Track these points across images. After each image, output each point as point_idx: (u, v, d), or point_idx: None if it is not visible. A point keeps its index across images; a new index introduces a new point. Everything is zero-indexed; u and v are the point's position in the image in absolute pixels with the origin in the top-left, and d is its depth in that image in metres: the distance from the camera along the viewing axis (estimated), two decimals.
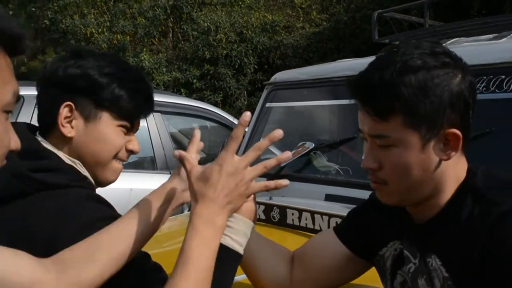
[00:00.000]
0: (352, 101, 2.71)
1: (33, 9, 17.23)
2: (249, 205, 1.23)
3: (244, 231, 1.21)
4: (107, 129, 1.33)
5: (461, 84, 1.13)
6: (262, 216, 2.12)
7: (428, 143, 1.13)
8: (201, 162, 4.13)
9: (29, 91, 4.04)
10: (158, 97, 4.64)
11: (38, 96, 1.36)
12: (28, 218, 1.16)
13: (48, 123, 1.32)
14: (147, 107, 1.43)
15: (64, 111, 1.29)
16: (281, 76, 3.01)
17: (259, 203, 2.13)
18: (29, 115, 3.89)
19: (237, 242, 1.20)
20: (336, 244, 1.42)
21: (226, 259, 1.17)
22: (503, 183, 1.16)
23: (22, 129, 1.24)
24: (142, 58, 13.67)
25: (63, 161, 1.30)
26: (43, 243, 1.12)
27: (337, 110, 2.79)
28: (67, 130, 1.29)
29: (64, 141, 1.31)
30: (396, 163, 1.15)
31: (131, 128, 1.39)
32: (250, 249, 1.32)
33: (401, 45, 1.18)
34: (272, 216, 2.08)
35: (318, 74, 2.74)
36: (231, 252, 1.19)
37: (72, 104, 1.29)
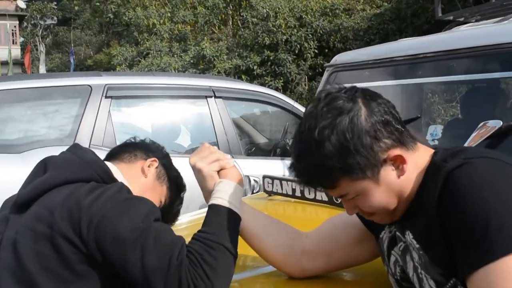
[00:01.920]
0: (415, 81, 2.68)
1: (97, 3, 17.75)
2: (231, 171, 1.55)
3: (230, 191, 1.49)
4: None
5: (368, 116, 1.20)
6: (325, 198, 2.12)
7: (378, 177, 1.22)
8: (263, 146, 4.19)
9: (97, 81, 4.21)
10: (219, 83, 4.72)
11: None
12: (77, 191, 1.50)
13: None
14: None
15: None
16: (341, 57, 2.98)
17: None
18: (97, 103, 4.03)
19: (227, 201, 1.47)
20: (355, 221, 1.50)
21: (222, 215, 1.45)
22: (456, 152, 1.23)
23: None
24: (203, 46, 13.84)
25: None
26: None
27: (400, 90, 2.74)
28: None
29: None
30: (367, 206, 1.26)
31: None
32: (251, 221, 1.54)
33: (303, 119, 1.26)
34: (334, 198, 2.08)
35: (379, 54, 2.70)
36: (224, 209, 1.46)
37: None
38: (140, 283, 1.38)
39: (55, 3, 33.74)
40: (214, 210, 1.47)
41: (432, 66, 2.51)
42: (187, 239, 1.45)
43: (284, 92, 12.15)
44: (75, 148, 1.74)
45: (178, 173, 1.89)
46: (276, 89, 11.98)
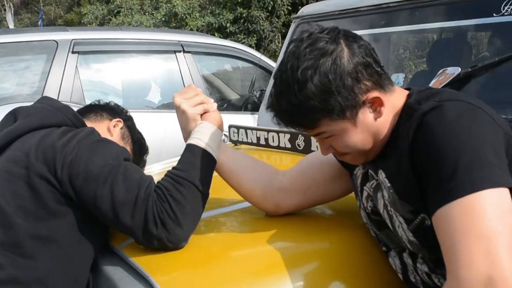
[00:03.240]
0: (381, 30, 2.69)
1: None
2: (213, 114, 1.56)
3: (209, 133, 1.52)
4: None
5: (350, 57, 1.21)
6: (288, 145, 2.16)
7: (356, 118, 1.24)
8: (234, 102, 4.22)
9: (63, 36, 4.14)
10: (188, 38, 4.68)
11: None
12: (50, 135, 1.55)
13: None
14: None
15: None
16: (308, 9, 2.98)
17: (285, 132, 2.17)
18: (63, 59, 3.98)
19: (204, 142, 1.49)
20: (330, 159, 1.54)
21: (196, 155, 1.48)
22: (430, 95, 1.25)
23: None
24: (175, 3, 13.59)
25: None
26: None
27: (367, 40, 2.76)
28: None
29: None
30: (343, 145, 1.29)
31: None
32: (230, 158, 1.59)
33: (284, 59, 1.24)
34: (297, 144, 2.12)
35: (345, 5, 2.70)
36: (199, 149, 1.49)
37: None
38: (109, 219, 1.43)
39: None
40: (189, 150, 1.51)
41: (396, 16, 2.53)
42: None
43: (258, 50, 12.06)
44: (45, 99, 1.78)
45: (141, 136, 1.96)
46: (250, 46, 11.88)
